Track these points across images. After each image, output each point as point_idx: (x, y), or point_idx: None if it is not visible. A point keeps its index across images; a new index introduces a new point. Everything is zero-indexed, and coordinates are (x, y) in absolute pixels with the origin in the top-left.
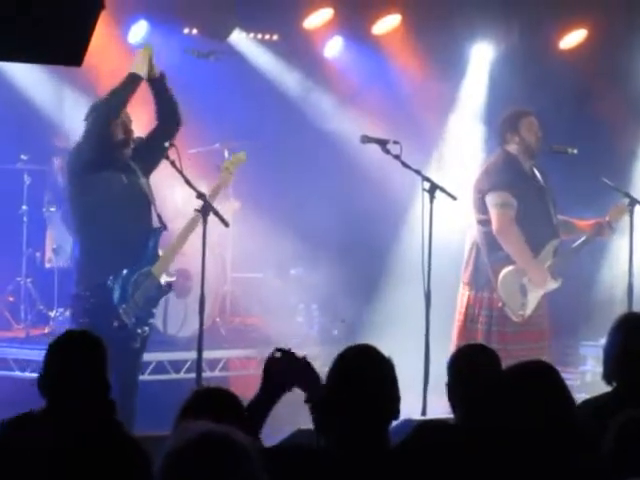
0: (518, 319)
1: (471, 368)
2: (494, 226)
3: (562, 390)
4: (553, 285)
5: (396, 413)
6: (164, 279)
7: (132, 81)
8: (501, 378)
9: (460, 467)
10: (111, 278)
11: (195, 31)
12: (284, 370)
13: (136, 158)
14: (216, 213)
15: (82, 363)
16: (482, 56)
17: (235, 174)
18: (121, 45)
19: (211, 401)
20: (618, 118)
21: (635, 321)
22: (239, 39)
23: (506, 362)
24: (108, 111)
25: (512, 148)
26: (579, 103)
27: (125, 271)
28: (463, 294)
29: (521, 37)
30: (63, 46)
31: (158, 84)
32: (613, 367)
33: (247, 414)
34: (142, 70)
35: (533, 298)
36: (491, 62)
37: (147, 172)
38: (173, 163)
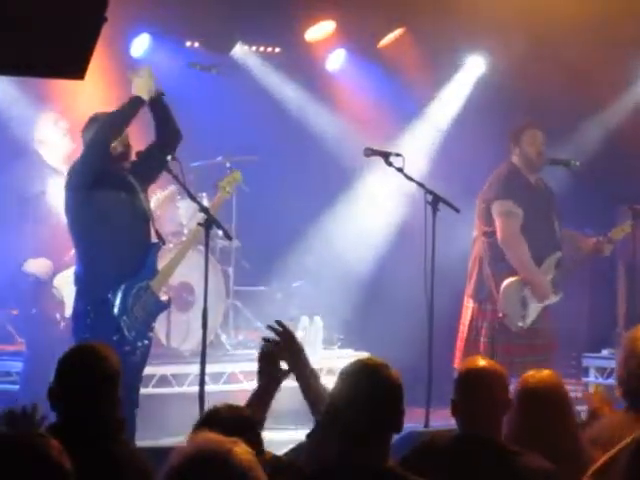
0: (517, 330)
1: (478, 385)
2: (499, 235)
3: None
4: (553, 299)
5: (399, 427)
6: (162, 295)
7: (136, 105)
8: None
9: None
10: (111, 292)
11: (197, 44)
12: (276, 357)
13: (135, 172)
14: (219, 226)
15: (91, 378)
16: (473, 68)
17: (232, 193)
18: (123, 58)
19: (224, 420)
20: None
21: None
22: (242, 52)
23: (511, 375)
24: (109, 133)
25: (516, 160)
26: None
27: (124, 285)
28: (467, 307)
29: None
30: (65, 59)
31: (157, 103)
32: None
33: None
34: (145, 92)
35: (533, 310)
36: (480, 74)
37: (146, 186)
38: (176, 177)
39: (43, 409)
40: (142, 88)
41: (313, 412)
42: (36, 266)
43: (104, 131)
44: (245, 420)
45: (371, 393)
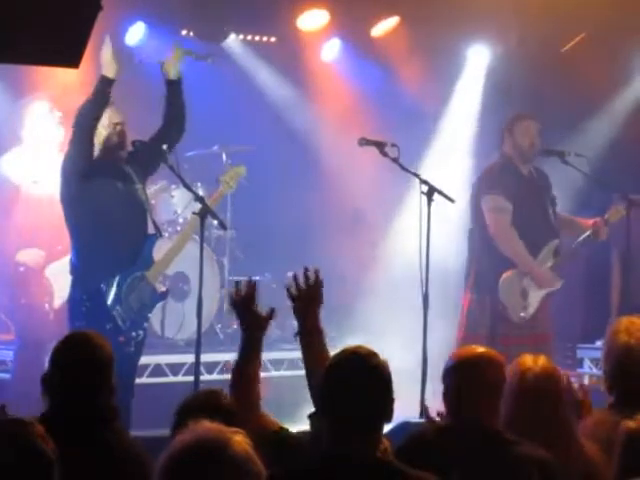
0: (520, 321)
1: (471, 372)
2: (490, 230)
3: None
4: (554, 286)
5: (389, 415)
6: (159, 286)
7: (102, 83)
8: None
9: (458, 472)
10: (104, 282)
11: (192, 33)
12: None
13: (133, 162)
14: (214, 216)
15: (85, 365)
16: (478, 58)
17: (235, 187)
18: (118, 47)
19: (208, 404)
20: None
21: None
22: (236, 42)
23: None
24: (86, 121)
25: (508, 150)
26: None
27: (118, 275)
28: (466, 298)
29: (520, 40)
30: (61, 47)
31: (175, 86)
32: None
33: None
34: (111, 70)
35: (534, 300)
36: (487, 65)
37: (144, 177)
38: (172, 167)
39: (35, 397)
40: (105, 66)
41: (310, 375)
42: (28, 256)
43: (81, 122)
44: (220, 407)
45: (359, 382)
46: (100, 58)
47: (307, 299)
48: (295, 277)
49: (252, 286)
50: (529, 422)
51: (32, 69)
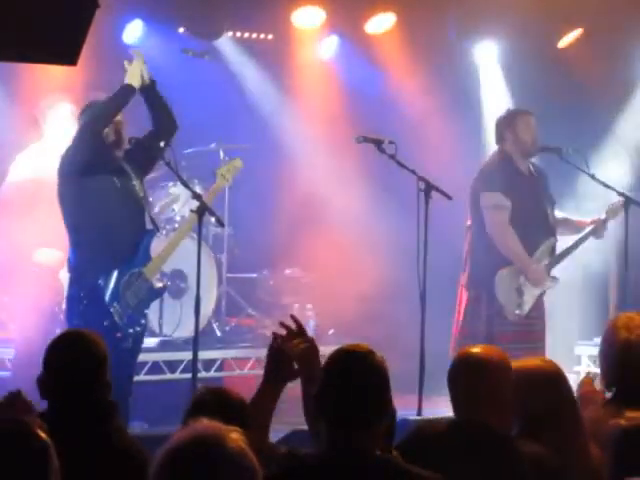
0: (514, 319)
1: (469, 371)
2: (487, 227)
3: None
4: (550, 284)
5: (387, 413)
6: (156, 282)
7: (127, 93)
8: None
9: (457, 469)
10: (102, 278)
11: (190, 31)
12: (287, 355)
13: (130, 160)
14: (212, 213)
15: (81, 362)
16: (487, 54)
17: (231, 180)
18: (116, 44)
19: (217, 403)
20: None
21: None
22: (232, 39)
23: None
24: (100, 120)
25: (508, 147)
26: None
27: (116, 271)
28: (462, 295)
29: (519, 36)
30: (58, 45)
31: (149, 91)
32: (613, 372)
33: (253, 407)
34: (136, 80)
35: (529, 298)
36: (497, 60)
37: (141, 174)
38: (169, 164)
39: (36, 397)
40: (132, 75)
41: (311, 427)
42: (45, 256)
43: (94, 120)
44: (231, 403)
45: (357, 380)
46: (129, 68)
47: (306, 354)
48: (276, 335)
49: (308, 348)
50: (545, 421)
51: (45, 69)
